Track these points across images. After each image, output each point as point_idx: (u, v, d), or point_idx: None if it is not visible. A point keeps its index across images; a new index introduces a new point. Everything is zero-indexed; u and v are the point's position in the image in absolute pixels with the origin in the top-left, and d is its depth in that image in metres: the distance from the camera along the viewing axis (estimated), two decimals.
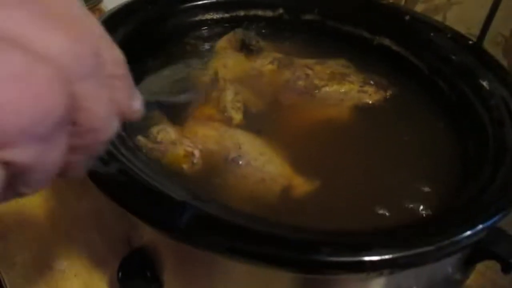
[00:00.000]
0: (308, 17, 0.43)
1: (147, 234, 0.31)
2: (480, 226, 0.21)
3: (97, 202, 0.45)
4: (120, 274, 0.34)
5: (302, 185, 0.28)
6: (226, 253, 0.21)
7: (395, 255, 0.19)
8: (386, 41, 0.39)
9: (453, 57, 0.35)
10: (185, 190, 0.24)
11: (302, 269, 0.20)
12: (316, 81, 0.36)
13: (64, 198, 0.46)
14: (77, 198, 0.45)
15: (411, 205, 0.26)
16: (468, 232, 0.21)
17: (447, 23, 0.66)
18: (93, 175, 0.24)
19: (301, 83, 0.36)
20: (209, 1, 0.43)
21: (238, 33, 0.41)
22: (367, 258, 0.19)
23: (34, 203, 0.44)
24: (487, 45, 0.62)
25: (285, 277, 0.22)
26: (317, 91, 0.36)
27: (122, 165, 0.24)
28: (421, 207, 0.26)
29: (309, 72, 0.37)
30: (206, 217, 0.22)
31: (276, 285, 0.23)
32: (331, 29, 0.42)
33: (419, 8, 0.69)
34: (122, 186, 0.24)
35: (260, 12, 0.43)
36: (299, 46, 0.42)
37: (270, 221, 0.22)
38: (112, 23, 0.36)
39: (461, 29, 0.59)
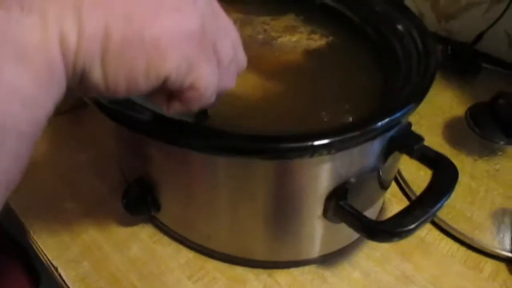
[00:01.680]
0: None
1: (146, 159, 0.38)
2: (386, 120, 0.30)
3: (93, 152, 0.52)
4: (124, 201, 0.41)
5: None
6: (214, 151, 0.29)
7: (330, 140, 0.29)
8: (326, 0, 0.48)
9: (377, 9, 0.44)
10: None
11: (267, 156, 0.29)
12: (273, 34, 0.44)
13: (65, 152, 0.53)
14: (76, 151, 0.52)
15: (345, 115, 0.36)
16: (379, 124, 0.30)
17: None
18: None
19: (260, 36, 0.45)
20: None
21: None
22: (309, 143, 0.28)
23: (37, 159, 0.51)
24: (417, 0, 0.72)
25: (257, 164, 0.31)
26: (274, 41, 0.45)
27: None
28: (349, 116, 0.35)
29: (267, 27, 0.45)
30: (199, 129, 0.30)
31: (253, 172, 0.32)
32: None
33: None
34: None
35: None
36: (255, 8, 0.50)
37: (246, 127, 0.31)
38: None
39: None
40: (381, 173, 0.36)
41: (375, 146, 0.33)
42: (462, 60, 0.64)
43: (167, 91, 0.23)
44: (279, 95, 0.38)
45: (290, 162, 0.31)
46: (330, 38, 0.45)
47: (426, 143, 0.55)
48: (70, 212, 0.46)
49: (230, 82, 0.26)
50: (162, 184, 0.39)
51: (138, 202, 0.41)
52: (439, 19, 0.71)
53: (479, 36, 0.65)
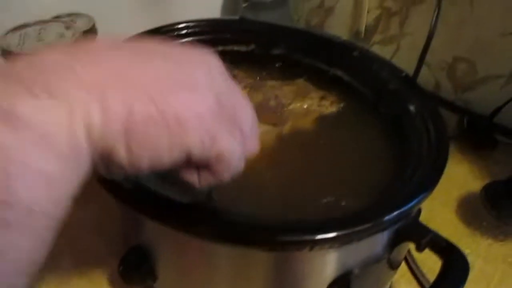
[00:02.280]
0: (276, 51, 0.51)
1: (146, 231, 0.37)
2: (395, 213, 0.29)
3: (98, 210, 0.52)
4: (120, 268, 0.40)
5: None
6: (213, 238, 0.29)
7: (331, 234, 0.27)
8: (339, 72, 0.48)
9: (390, 86, 0.43)
10: None
11: (263, 247, 0.28)
12: (284, 100, 0.44)
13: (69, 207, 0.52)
14: (80, 208, 0.52)
15: (350, 199, 0.35)
16: (386, 217, 0.29)
17: (401, 50, 0.76)
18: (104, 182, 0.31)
19: (272, 103, 0.45)
20: (193, 38, 0.51)
21: None
22: (309, 238, 0.27)
23: None
24: (434, 69, 0.72)
25: (254, 252, 0.30)
26: (285, 108, 0.45)
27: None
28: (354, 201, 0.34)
29: (278, 92, 0.45)
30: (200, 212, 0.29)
31: (250, 259, 0.31)
32: (295, 62, 0.50)
33: (377, 37, 0.78)
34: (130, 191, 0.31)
35: (235, 48, 0.51)
36: (267, 75, 0.50)
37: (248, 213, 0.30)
38: None
39: (414, 55, 0.68)
40: (387, 261, 0.35)
41: (381, 238, 0.32)
42: (478, 134, 0.63)
43: (194, 164, 0.24)
44: (283, 172, 0.37)
45: (288, 252, 0.29)
46: (341, 104, 0.45)
47: (439, 219, 0.54)
48: (66, 269, 0.45)
49: (254, 147, 0.27)
50: (159, 258, 0.38)
51: (135, 271, 0.40)
52: (456, 89, 0.70)
53: (497, 110, 0.63)
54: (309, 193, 0.35)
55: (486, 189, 0.52)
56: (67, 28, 0.52)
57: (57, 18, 0.61)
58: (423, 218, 0.53)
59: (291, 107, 0.46)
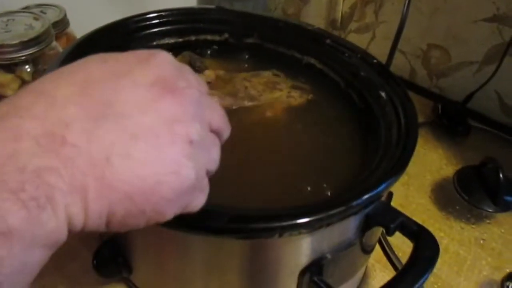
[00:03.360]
0: (249, 40, 0.51)
1: None
2: (363, 198, 0.29)
3: None
4: (94, 262, 0.40)
5: None
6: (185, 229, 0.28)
7: (298, 220, 0.27)
8: (312, 60, 0.48)
9: (362, 73, 0.44)
10: None
11: (234, 235, 0.28)
12: (253, 92, 0.44)
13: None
14: None
15: (321, 186, 0.35)
16: (354, 202, 0.29)
17: (377, 39, 0.76)
18: None
19: (241, 94, 0.45)
20: (165, 28, 0.50)
21: (185, 55, 0.49)
22: (277, 224, 0.27)
23: None
24: (409, 57, 0.73)
25: (229, 244, 0.30)
26: (255, 100, 0.44)
27: None
28: (325, 187, 0.34)
29: (247, 84, 0.45)
30: None
31: (223, 247, 0.31)
32: (269, 51, 0.50)
33: (352, 26, 0.78)
34: None
35: (209, 37, 0.51)
36: (240, 65, 0.50)
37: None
38: (80, 50, 0.42)
39: (387, 43, 0.69)
40: (360, 246, 0.35)
41: (351, 223, 0.32)
42: (452, 120, 0.64)
43: None
44: (254, 161, 0.37)
45: (259, 239, 0.29)
46: (310, 95, 0.44)
47: (414, 205, 0.55)
48: None
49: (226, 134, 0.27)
50: (134, 249, 0.38)
51: (109, 264, 0.40)
52: (431, 76, 0.71)
53: (470, 96, 0.64)
54: (280, 183, 0.35)
55: (458, 174, 0.53)
56: (36, 19, 0.51)
57: (26, 8, 0.60)
58: (398, 204, 0.54)
59: (260, 98, 0.45)
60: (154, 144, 0.20)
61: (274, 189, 0.35)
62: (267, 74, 0.46)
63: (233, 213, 0.28)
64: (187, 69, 0.25)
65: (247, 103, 0.43)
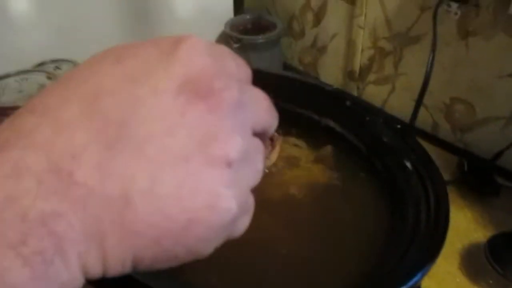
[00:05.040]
0: None
1: None
2: None
3: None
4: None
5: None
6: None
7: None
8: (331, 123, 0.45)
9: (385, 139, 0.41)
10: None
11: None
12: (273, 169, 0.42)
13: None
14: None
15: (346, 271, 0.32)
16: None
17: (396, 91, 0.74)
18: None
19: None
20: None
21: None
22: None
23: None
24: (431, 111, 0.70)
25: None
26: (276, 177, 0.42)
27: None
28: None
29: (267, 161, 0.43)
30: None
31: None
32: (285, 111, 0.48)
33: (371, 77, 0.77)
34: None
35: None
36: None
37: None
38: None
39: (409, 95, 0.67)
40: None
41: None
42: (480, 178, 0.60)
43: None
44: (268, 241, 0.34)
45: None
46: (335, 174, 0.42)
47: (441, 274, 0.51)
48: None
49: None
50: None
51: None
52: (454, 130, 0.68)
53: (499, 153, 0.61)
54: (299, 274, 0.32)
55: (490, 242, 0.49)
56: (49, 78, 0.51)
57: (41, 64, 0.60)
58: None
59: (279, 176, 0.43)
60: (184, 173, 0.16)
61: (291, 277, 0.32)
62: (288, 145, 0.44)
63: None
64: (223, 51, 0.19)
65: (266, 180, 0.41)
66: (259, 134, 0.20)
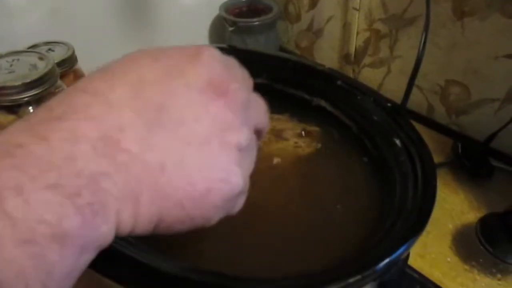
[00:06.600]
0: (257, 80, 0.49)
1: None
2: (373, 269, 0.26)
3: None
4: None
5: None
6: None
7: None
8: (322, 102, 0.45)
9: (375, 118, 0.41)
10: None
11: None
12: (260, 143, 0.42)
13: None
14: None
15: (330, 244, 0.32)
16: (366, 272, 0.26)
17: (392, 73, 0.74)
18: None
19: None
20: None
21: None
22: None
23: None
24: (426, 93, 0.70)
25: None
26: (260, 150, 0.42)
27: None
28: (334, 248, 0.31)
29: None
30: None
31: None
32: (278, 91, 0.48)
33: (367, 60, 0.76)
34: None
35: None
36: None
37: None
38: None
39: (403, 78, 0.66)
40: None
41: None
42: (474, 160, 0.60)
43: None
44: (255, 218, 0.34)
45: None
46: (319, 144, 0.42)
47: (433, 254, 0.51)
48: None
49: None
50: None
51: None
52: (449, 113, 0.68)
53: (493, 135, 0.61)
54: (283, 245, 0.32)
55: (481, 222, 0.49)
56: (41, 59, 0.50)
57: (34, 46, 0.59)
58: (416, 253, 0.51)
59: (265, 149, 0.43)
60: (207, 152, 0.21)
61: (277, 252, 0.32)
62: (276, 117, 0.44)
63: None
64: (233, 63, 0.24)
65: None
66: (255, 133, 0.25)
